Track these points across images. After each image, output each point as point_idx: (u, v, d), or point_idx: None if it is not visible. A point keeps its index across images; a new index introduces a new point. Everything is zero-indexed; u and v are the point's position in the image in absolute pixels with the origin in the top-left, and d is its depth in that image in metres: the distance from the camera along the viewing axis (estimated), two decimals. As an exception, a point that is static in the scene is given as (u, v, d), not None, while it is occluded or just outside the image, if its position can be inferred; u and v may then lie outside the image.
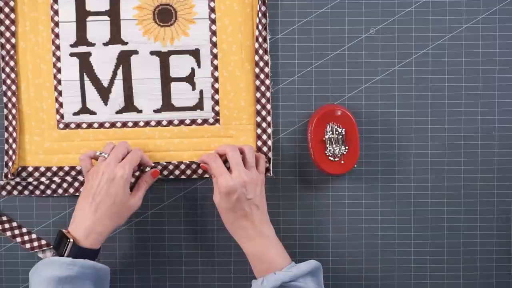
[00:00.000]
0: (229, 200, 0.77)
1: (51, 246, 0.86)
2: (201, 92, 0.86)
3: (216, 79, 0.86)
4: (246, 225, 0.78)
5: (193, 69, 0.86)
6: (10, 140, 0.85)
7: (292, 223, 0.87)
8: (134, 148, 0.81)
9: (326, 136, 0.81)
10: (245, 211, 0.77)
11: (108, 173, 0.76)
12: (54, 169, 0.86)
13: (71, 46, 0.85)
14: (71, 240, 0.73)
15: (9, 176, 0.84)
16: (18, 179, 0.85)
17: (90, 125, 0.86)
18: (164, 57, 0.85)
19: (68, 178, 0.86)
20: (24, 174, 0.86)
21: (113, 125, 0.86)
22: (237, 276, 0.88)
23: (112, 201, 0.76)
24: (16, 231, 0.86)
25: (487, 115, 0.86)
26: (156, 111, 0.86)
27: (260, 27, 0.84)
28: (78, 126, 0.86)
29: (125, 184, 0.77)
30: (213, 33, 0.85)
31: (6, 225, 0.86)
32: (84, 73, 0.85)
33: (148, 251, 0.87)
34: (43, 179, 0.85)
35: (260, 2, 0.84)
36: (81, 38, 0.85)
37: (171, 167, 0.86)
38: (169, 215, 0.87)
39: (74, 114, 0.86)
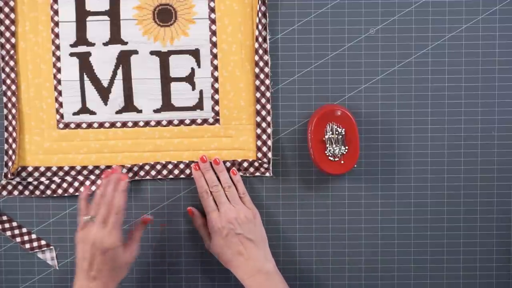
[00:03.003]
0: (220, 236, 0.80)
1: (51, 246, 0.86)
2: (201, 92, 0.86)
3: (216, 79, 0.86)
4: (242, 262, 0.80)
5: (193, 69, 0.86)
6: (10, 140, 0.85)
7: (292, 223, 0.87)
8: (114, 202, 0.78)
9: (326, 136, 0.81)
10: (238, 248, 0.80)
11: (99, 245, 0.75)
12: (54, 169, 0.86)
13: (71, 46, 0.85)
14: None
15: (9, 176, 0.84)
16: (18, 179, 0.85)
17: (90, 125, 0.86)
18: (164, 57, 0.85)
19: (68, 178, 0.86)
20: (24, 174, 0.86)
21: (113, 125, 0.86)
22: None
23: (110, 266, 0.76)
24: (16, 231, 0.86)
25: (487, 115, 0.86)
26: (156, 111, 0.86)
27: (260, 27, 0.84)
28: (78, 126, 0.86)
29: (118, 249, 0.76)
30: (213, 33, 0.85)
31: (6, 225, 0.86)
32: (84, 73, 0.85)
33: (147, 251, 0.87)
34: (43, 179, 0.85)
35: (260, 2, 0.84)
36: (81, 38, 0.85)
37: (170, 166, 0.86)
38: (169, 215, 0.86)
39: (74, 114, 0.86)
